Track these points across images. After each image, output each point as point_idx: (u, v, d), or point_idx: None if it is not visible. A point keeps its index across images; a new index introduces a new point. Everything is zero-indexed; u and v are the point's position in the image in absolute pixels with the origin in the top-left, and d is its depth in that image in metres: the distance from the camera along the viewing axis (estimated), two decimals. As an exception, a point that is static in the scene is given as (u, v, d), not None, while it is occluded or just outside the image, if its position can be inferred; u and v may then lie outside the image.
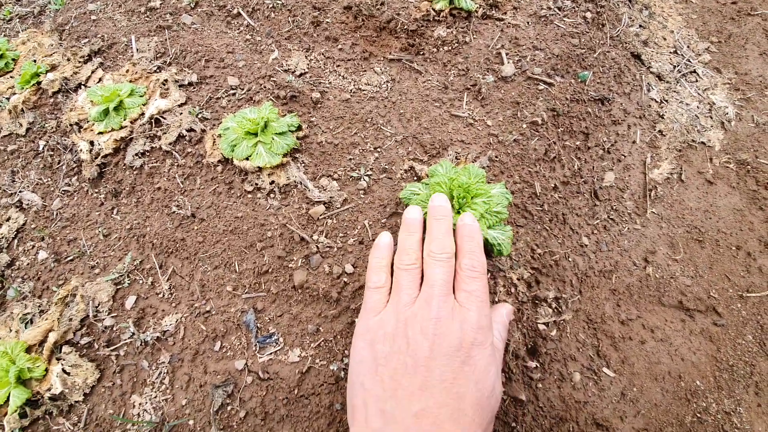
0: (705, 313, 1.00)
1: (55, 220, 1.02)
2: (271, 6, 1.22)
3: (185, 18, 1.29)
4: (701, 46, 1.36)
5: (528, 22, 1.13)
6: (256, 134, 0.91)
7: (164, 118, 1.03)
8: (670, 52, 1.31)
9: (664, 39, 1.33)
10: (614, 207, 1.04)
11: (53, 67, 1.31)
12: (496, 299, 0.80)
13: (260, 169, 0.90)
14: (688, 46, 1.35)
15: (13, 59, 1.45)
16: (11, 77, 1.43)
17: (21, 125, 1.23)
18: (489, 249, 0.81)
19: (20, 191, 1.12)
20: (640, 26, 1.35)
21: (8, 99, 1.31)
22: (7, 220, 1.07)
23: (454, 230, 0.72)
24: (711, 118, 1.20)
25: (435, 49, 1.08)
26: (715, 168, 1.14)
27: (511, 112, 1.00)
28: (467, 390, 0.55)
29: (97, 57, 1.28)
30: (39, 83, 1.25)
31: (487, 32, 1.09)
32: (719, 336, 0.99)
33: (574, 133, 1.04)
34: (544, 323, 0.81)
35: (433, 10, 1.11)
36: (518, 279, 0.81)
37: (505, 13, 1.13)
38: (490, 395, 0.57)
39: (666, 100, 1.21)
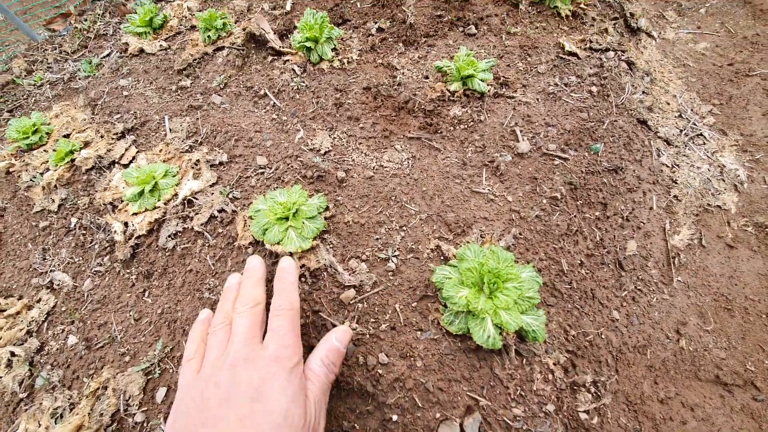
0: (743, 387, 0.97)
1: (85, 302, 1.04)
2: (295, 88, 1.31)
3: (215, 98, 1.38)
4: (704, 109, 1.42)
5: (538, 99, 1.19)
6: (287, 218, 0.94)
7: (196, 199, 1.08)
8: (675, 116, 1.37)
9: (668, 104, 1.40)
10: (640, 277, 1.04)
11: (86, 144, 1.38)
12: (534, 387, 0.79)
13: (291, 253, 0.93)
14: (691, 110, 1.41)
15: (47, 133, 1.54)
16: (45, 151, 1.51)
17: (53, 201, 1.28)
18: (523, 335, 0.80)
19: (51, 270, 1.15)
20: (644, 92, 1.42)
21: (42, 174, 1.38)
22: (38, 301, 1.09)
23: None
24: (723, 180, 1.23)
25: (452, 128, 1.14)
26: (734, 232, 1.15)
27: (530, 188, 1.04)
28: (262, 421, 0.58)
29: (130, 135, 1.36)
30: (73, 160, 1.32)
31: (500, 110, 1.16)
32: (760, 412, 0.96)
33: (593, 204, 1.07)
34: (584, 411, 0.79)
35: (448, 90, 1.18)
36: (555, 364, 0.80)
37: (516, 91, 1.21)
38: (284, 419, 0.59)
39: (677, 165, 1.25)
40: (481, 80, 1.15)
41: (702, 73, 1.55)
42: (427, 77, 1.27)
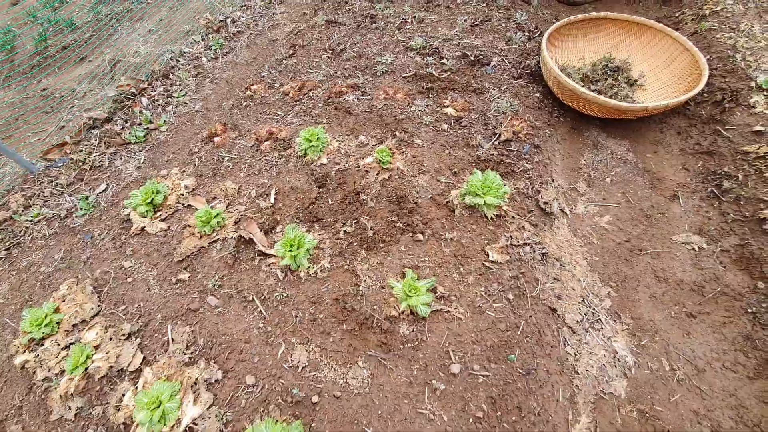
0: None
1: None
2: (277, 297, 1.61)
3: (211, 300, 1.67)
4: (603, 292, 1.80)
5: (467, 314, 1.54)
6: (270, 456, 1.21)
7: (196, 425, 1.33)
8: (579, 302, 1.74)
9: (574, 289, 1.78)
10: (547, 472, 1.34)
11: (97, 347, 1.62)
12: None
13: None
14: (593, 293, 1.79)
15: (57, 323, 1.75)
16: (56, 342, 1.73)
17: (70, 409, 1.50)
18: None
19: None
20: (554, 279, 1.80)
21: (57, 376, 1.59)
22: None
23: None
24: (615, 367, 1.58)
25: (401, 346, 1.46)
26: (623, 418, 1.48)
27: (460, 406, 1.35)
28: None
29: (135, 338, 1.61)
30: (86, 368, 1.55)
31: (439, 330, 1.49)
32: None
33: (510, 411, 1.39)
34: None
35: (398, 308, 1.51)
36: None
37: (451, 304, 1.55)
38: None
39: (579, 353, 1.59)
40: (423, 304, 1.49)
41: (604, 251, 1.96)
42: (383, 287, 1.60)
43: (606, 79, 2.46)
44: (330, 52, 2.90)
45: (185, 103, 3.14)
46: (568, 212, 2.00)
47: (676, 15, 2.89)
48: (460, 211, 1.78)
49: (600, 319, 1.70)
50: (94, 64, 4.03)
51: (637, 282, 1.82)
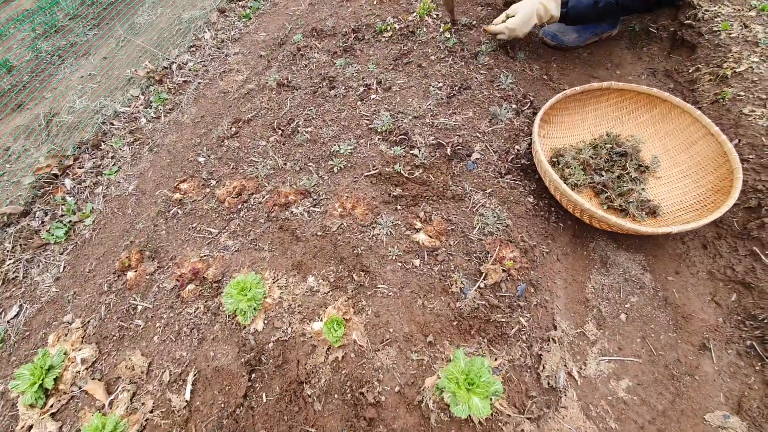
0: None
1: None
2: None
3: None
4: None
5: None
6: None
7: None
8: None
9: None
10: None
11: None
12: None
13: None
14: None
15: None
16: None
17: None
18: None
19: None
20: None
21: None
22: None
23: None
24: None
25: None
26: None
27: None
28: None
29: None
30: None
31: None
32: None
33: None
34: None
35: None
36: None
37: None
38: None
39: None
40: None
41: None
42: None
43: (612, 170, 2.01)
44: (280, 132, 2.39)
45: (118, 182, 2.63)
46: (577, 377, 1.56)
47: (689, 71, 2.43)
48: (437, 417, 1.33)
49: None
50: (33, 113, 3.46)
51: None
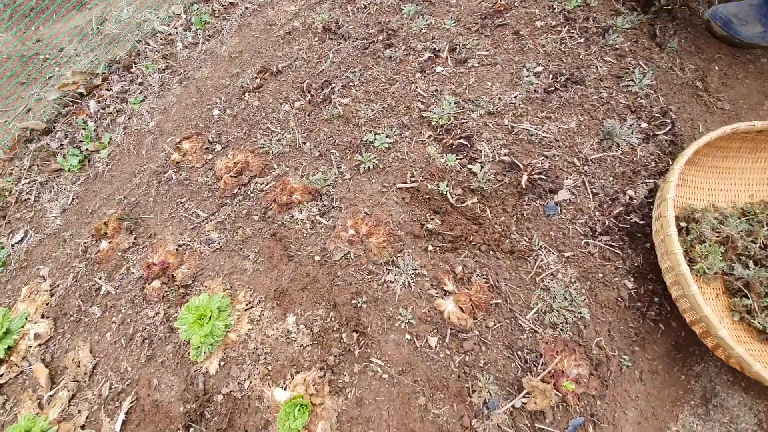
0: None
1: None
2: None
3: None
4: None
5: None
6: None
7: None
8: None
9: None
10: None
11: None
12: None
13: None
14: None
15: None
16: None
17: None
18: None
19: None
20: None
21: None
22: None
23: None
24: None
25: None
26: None
27: None
28: None
29: None
30: None
31: None
32: None
33: None
34: None
35: None
36: None
37: None
38: None
39: None
40: None
41: None
42: None
43: (775, 265, 1.25)
44: (309, 97, 1.85)
45: (141, 114, 2.39)
46: None
47: None
48: None
49: None
50: (93, 13, 3.29)
51: None
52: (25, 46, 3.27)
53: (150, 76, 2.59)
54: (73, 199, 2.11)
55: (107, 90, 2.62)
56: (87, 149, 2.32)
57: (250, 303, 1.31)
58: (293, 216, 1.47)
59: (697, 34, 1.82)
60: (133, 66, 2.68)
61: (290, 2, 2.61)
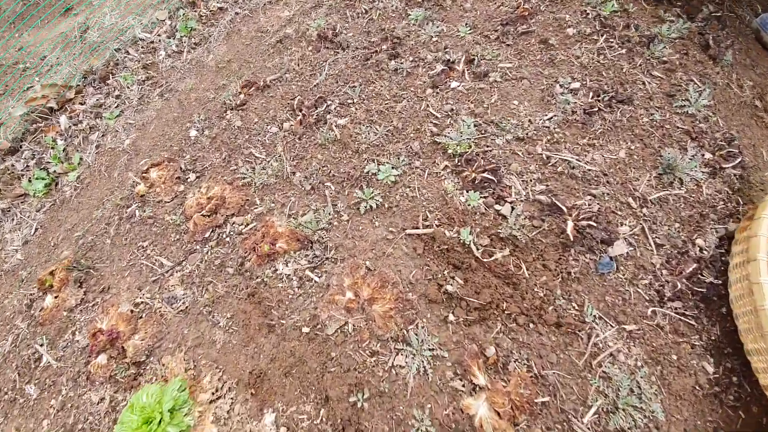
0: None
1: None
2: None
3: None
4: None
5: None
6: None
7: None
8: None
9: None
10: None
11: None
12: None
13: None
14: None
15: None
16: None
17: None
18: None
19: None
20: None
21: None
22: None
23: None
24: None
25: None
26: None
27: None
28: None
29: None
30: None
31: None
32: None
33: None
34: None
35: None
36: None
37: None
38: None
39: None
40: None
41: None
42: None
43: None
44: (300, 116, 1.57)
45: (116, 131, 2.12)
46: None
47: None
48: None
49: None
50: (77, 21, 3.02)
51: None
52: (6, 53, 3.01)
53: (128, 88, 2.32)
54: (36, 229, 1.84)
55: (81, 104, 2.35)
56: (55, 171, 2.05)
57: (217, 391, 1.01)
58: (276, 270, 1.17)
59: (749, 44, 1.54)
60: (111, 77, 2.41)
61: (285, 7, 2.34)
